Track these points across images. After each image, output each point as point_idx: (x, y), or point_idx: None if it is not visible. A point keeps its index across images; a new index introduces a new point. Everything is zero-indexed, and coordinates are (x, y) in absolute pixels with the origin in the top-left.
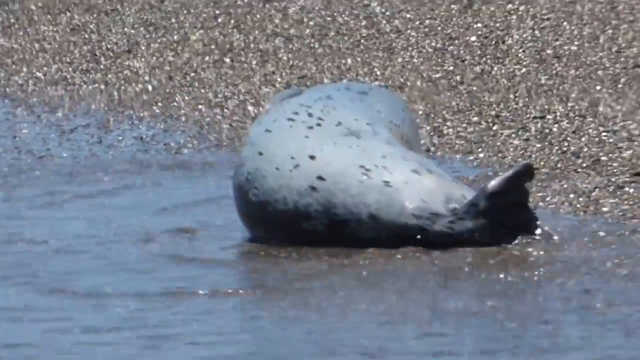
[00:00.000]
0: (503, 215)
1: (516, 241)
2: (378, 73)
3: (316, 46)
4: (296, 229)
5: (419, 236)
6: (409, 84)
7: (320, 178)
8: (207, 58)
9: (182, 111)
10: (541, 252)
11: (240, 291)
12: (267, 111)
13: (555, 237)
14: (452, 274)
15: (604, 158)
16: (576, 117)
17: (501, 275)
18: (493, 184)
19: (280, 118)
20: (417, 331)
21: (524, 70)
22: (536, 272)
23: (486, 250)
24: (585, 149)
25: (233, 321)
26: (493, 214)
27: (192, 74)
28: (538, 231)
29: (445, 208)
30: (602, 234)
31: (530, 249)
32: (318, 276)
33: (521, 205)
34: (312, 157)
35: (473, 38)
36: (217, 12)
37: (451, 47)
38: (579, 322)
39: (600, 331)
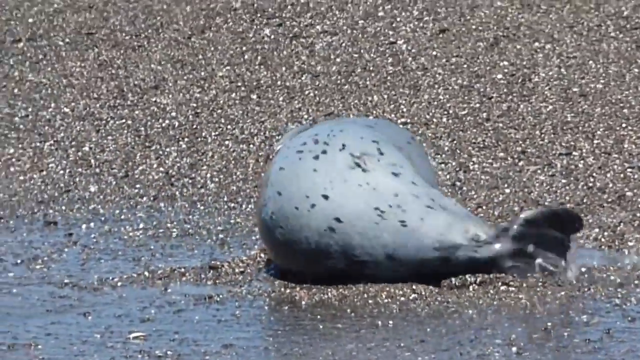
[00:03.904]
0: (533, 243)
1: (536, 274)
2: (404, 110)
3: (342, 83)
4: (320, 266)
5: (439, 269)
6: (434, 120)
7: (338, 220)
8: (233, 95)
9: (209, 146)
10: None
11: None
12: (278, 150)
13: (570, 274)
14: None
15: (629, 193)
16: (602, 154)
17: None
18: (529, 212)
19: (291, 153)
20: None
21: (550, 107)
22: None
23: None
24: (611, 185)
25: None
26: (523, 240)
27: (219, 111)
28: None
29: (464, 238)
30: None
31: None
32: None
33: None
34: (325, 197)
35: (499, 76)
36: (244, 48)
37: (477, 84)
38: None
39: None
